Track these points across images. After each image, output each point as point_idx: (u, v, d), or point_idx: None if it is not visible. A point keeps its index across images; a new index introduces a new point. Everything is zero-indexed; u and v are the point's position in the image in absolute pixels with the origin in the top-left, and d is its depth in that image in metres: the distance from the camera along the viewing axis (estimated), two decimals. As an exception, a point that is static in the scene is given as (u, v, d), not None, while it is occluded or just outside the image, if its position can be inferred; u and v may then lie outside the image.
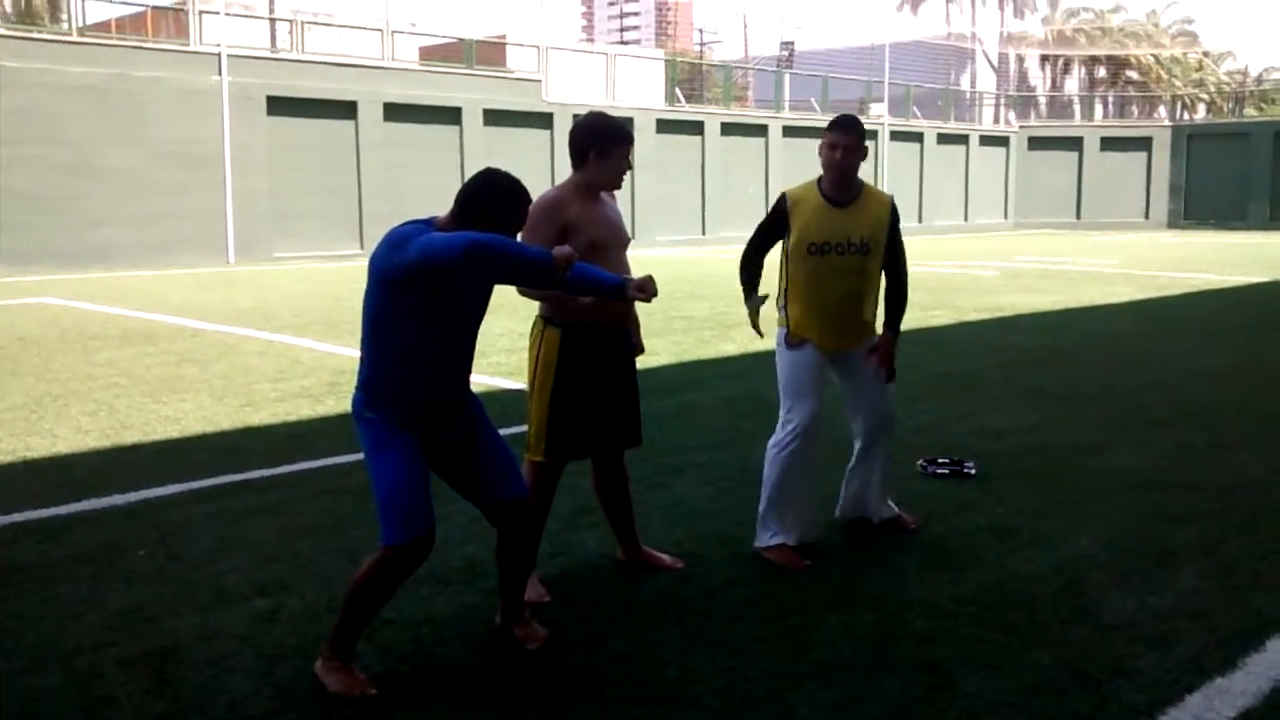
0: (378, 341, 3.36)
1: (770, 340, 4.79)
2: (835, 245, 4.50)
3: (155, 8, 27.42)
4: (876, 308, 4.71)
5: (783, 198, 4.59)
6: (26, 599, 4.15)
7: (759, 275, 4.68)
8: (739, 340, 10.80)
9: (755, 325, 4.72)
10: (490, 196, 3.36)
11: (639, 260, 20.41)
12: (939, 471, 5.87)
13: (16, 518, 5.15)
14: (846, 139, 4.46)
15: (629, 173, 4.24)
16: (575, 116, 28.80)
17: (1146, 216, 42.36)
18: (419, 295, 3.26)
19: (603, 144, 4.09)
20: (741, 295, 4.68)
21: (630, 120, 29.98)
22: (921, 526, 4.98)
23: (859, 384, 4.72)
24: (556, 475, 4.22)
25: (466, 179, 3.41)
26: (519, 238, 3.55)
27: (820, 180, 4.57)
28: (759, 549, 4.58)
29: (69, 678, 3.49)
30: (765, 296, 4.60)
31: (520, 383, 8.08)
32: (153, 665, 3.58)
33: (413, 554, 3.36)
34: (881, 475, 4.84)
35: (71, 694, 3.39)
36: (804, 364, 4.56)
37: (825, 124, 4.56)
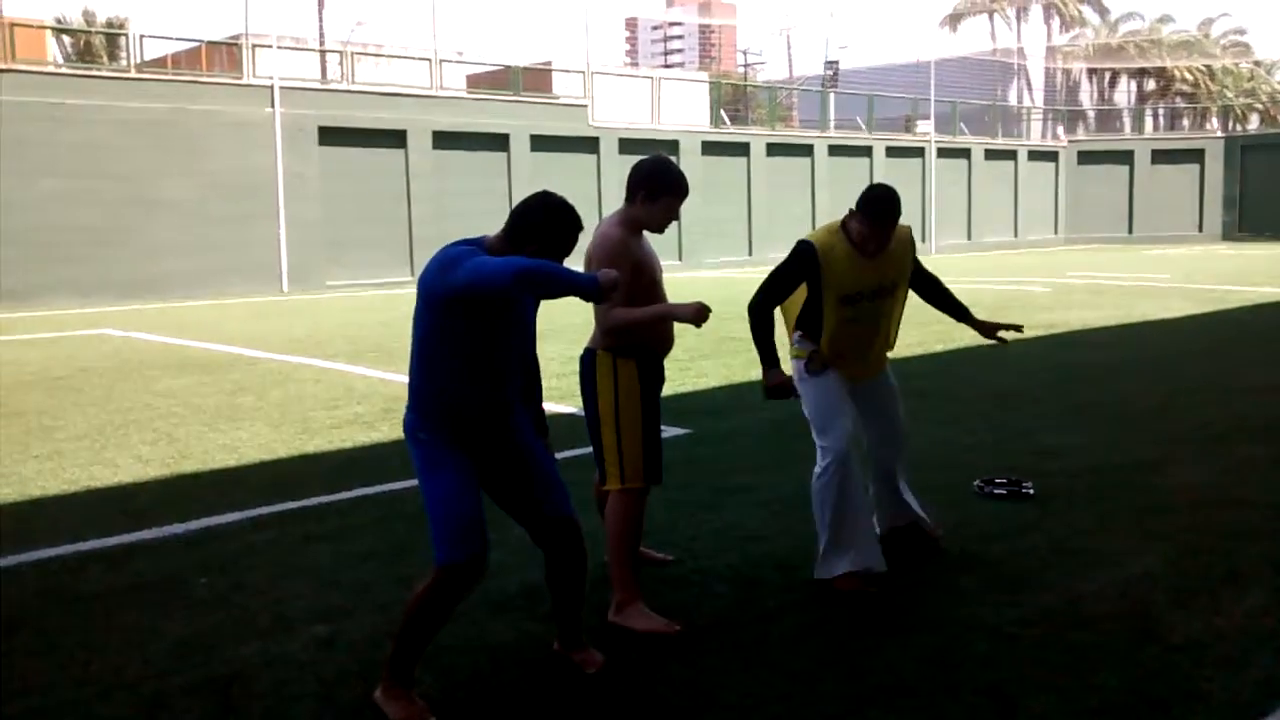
0: (427, 360, 3.37)
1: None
2: (868, 293, 4.50)
3: (210, 43, 28.00)
4: (895, 336, 4.76)
5: (811, 249, 4.45)
6: (92, 627, 4.22)
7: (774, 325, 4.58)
8: (788, 363, 10.74)
9: (816, 366, 4.59)
10: (542, 219, 3.37)
11: (687, 283, 20.33)
12: (997, 492, 5.81)
13: (81, 546, 5.25)
14: (884, 232, 4.41)
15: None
16: (621, 140, 29.08)
17: (1200, 229, 41.74)
18: (466, 316, 3.27)
19: (652, 189, 4.18)
20: (758, 353, 4.50)
21: (676, 143, 30.15)
22: (944, 535, 4.97)
23: (878, 405, 4.76)
24: (645, 500, 4.30)
25: (519, 200, 3.43)
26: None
27: (846, 227, 4.48)
28: (826, 579, 4.47)
29: (135, 705, 3.54)
30: (815, 349, 4.57)
31: (570, 407, 8.11)
32: (217, 692, 3.62)
33: (468, 573, 3.36)
34: (907, 481, 4.93)
35: (138, 721, 3.44)
36: (830, 387, 4.54)
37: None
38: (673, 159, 4.33)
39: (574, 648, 3.76)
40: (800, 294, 4.60)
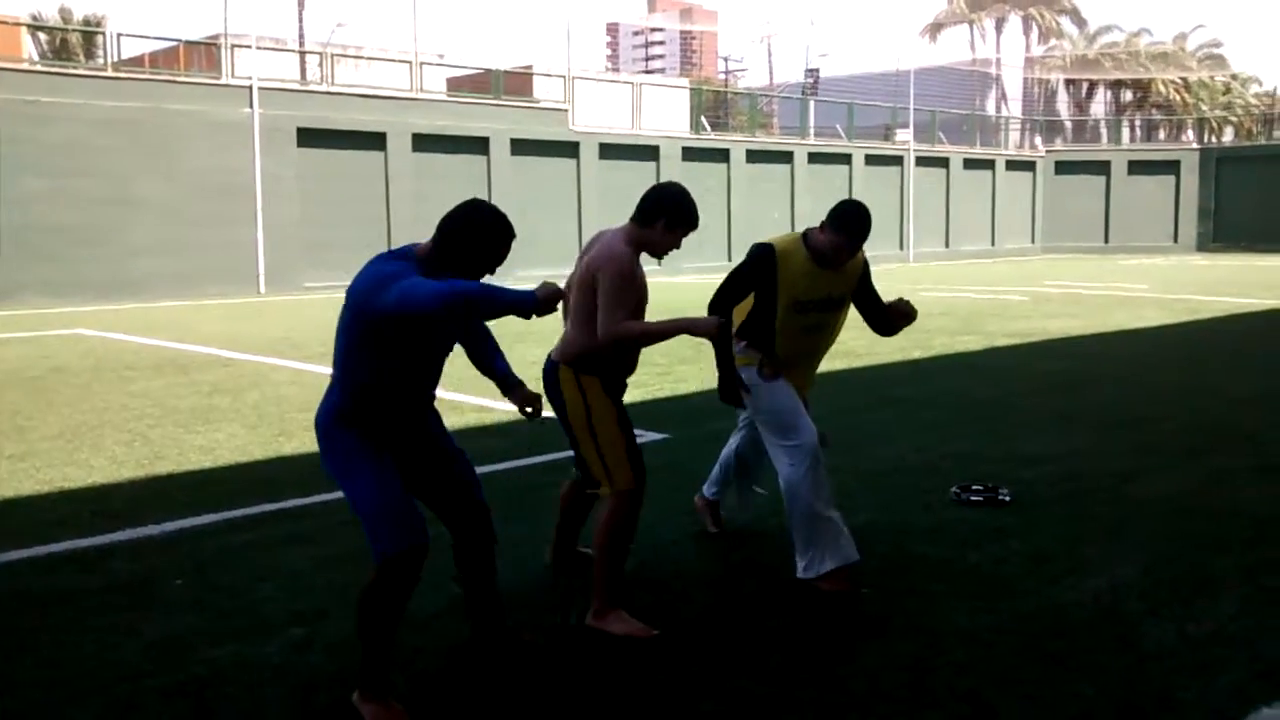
0: (349, 366, 3.36)
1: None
2: (818, 302, 4.58)
3: (188, 42, 27.85)
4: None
5: (770, 251, 4.52)
6: (65, 629, 4.18)
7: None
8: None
9: (769, 371, 4.63)
10: (473, 232, 3.28)
11: (667, 288, 20.19)
12: (973, 499, 5.83)
13: (54, 548, 5.20)
14: (856, 245, 4.48)
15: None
16: (602, 145, 29.08)
17: (1175, 240, 42.12)
18: (393, 332, 3.26)
19: (675, 219, 4.18)
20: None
21: (656, 148, 30.20)
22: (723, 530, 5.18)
23: None
24: (639, 504, 4.26)
25: (449, 210, 3.34)
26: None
27: (807, 238, 4.55)
28: (811, 580, 4.50)
29: (108, 708, 3.51)
30: (764, 358, 4.61)
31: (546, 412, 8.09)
32: (191, 694, 3.59)
33: (411, 561, 3.33)
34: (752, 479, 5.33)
35: (111, 724, 3.41)
36: (785, 390, 4.60)
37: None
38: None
39: (496, 634, 3.81)
40: (745, 304, 4.64)
